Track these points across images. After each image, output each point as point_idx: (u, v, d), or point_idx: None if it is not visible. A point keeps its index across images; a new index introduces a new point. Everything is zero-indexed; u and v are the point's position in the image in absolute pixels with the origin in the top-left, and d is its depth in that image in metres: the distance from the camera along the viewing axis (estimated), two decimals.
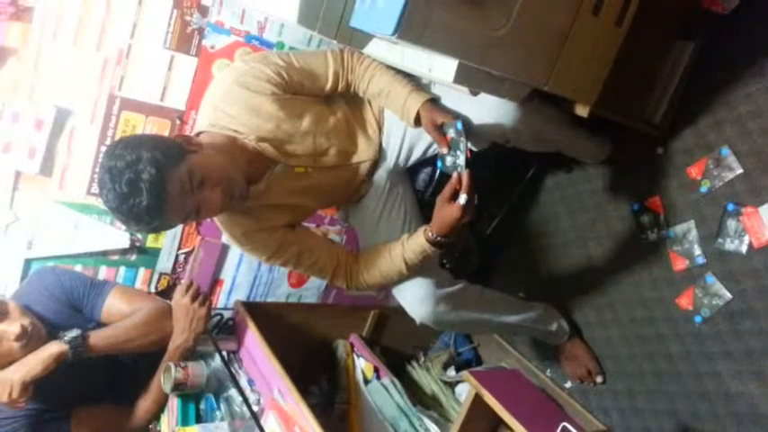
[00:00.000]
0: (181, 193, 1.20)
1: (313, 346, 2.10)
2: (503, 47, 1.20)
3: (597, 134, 1.79)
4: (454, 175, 1.37)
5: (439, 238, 1.44)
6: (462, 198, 1.34)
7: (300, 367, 1.67)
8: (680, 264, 1.75)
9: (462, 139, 1.36)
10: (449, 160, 1.41)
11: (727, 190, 1.65)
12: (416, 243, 1.47)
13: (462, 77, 1.25)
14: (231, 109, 1.38)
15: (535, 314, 1.88)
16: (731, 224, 1.63)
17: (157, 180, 1.16)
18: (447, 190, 1.37)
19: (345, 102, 1.56)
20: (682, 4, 1.60)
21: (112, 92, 1.69)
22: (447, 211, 1.37)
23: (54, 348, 1.44)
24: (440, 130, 1.40)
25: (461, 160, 1.37)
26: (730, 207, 1.63)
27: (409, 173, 1.75)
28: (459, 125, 1.35)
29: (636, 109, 1.66)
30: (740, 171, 1.62)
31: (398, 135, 1.59)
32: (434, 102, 1.46)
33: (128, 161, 1.16)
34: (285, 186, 1.46)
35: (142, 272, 1.93)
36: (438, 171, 1.75)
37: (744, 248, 1.61)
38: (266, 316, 1.86)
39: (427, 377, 2.15)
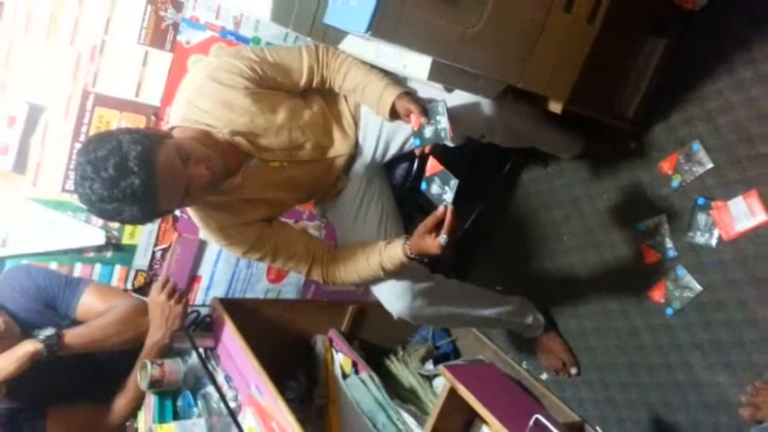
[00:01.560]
0: (171, 169, 1.19)
1: (291, 341, 2.11)
2: (476, 44, 1.21)
3: (571, 130, 1.81)
4: (440, 207, 1.34)
5: (416, 257, 1.45)
6: (443, 238, 1.34)
7: (278, 363, 1.67)
8: (652, 257, 1.78)
9: (443, 106, 1.33)
10: (428, 130, 1.37)
11: (698, 184, 1.68)
12: (395, 255, 1.48)
13: (436, 74, 1.27)
14: (204, 103, 1.37)
15: (511, 307, 1.90)
16: (701, 218, 1.66)
17: (145, 156, 1.15)
18: (430, 220, 1.37)
19: (321, 96, 1.56)
20: (653, 0, 1.62)
21: (86, 88, 1.67)
22: (426, 243, 1.38)
23: (28, 347, 1.42)
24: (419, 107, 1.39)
25: (443, 124, 1.34)
26: (700, 201, 1.66)
27: (386, 168, 1.76)
28: (442, 105, 1.34)
29: (609, 105, 1.69)
30: (710, 166, 1.66)
31: (375, 130, 1.59)
32: (410, 94, 1.47)
33: (109, 148, 1.14)
34: (261, 180, 1.46)
35: (118, 269, 1.92)
36: (416, 164, 1.76)
37: (714, 242, 1.64)
38: (244, 312, 1.86)
39: (405, 371, 2.17)
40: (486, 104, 1.47)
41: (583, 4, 1.37)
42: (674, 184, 1.72)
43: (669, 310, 1.73)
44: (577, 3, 1.35)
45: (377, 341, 2.30)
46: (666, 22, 1.67)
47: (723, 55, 1.63)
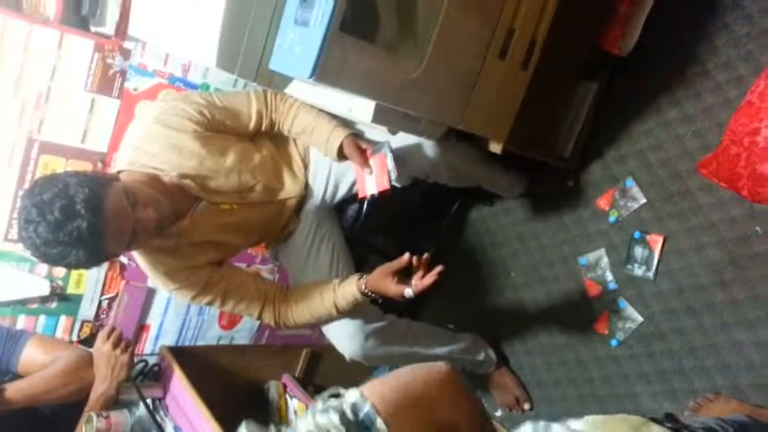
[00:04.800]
0: (120, 212, 1.18)
1: (244, 388, 2.06)
2: (417, 89, 1.27)
3: (512, 169, 1.88)
4: (406, 255, 1.37)
5: (372, 294, 1.47)
6: (408, 292, 1.37)
7: (230, 412, 1.63)
8: (594, 290, 1.84)
9: (387, 148, 1.39)
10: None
11: (634, 218, 1.76)
12: (349, 292, 1.49)
13: (380, 117, 1.31)
14: (152, 147, 1.38)
15: (464, 345, 1.93)
16: (638, 251, 1.74)
17: (93, 199, 1.14)
18: (397, 264, 1.38)
19: (270, 139, 1.59)
20: (583, 47, 1.72)
21: (31, 135, 1.65)
22: (388, 287, 1.40)
23: None
24: (362, 151, 1.45)
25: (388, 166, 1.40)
26: (637, 235, 1.74)
27: (337, 210, 1.79)
28: (387, 147, 1.39)
29: (546, 145, 1.77)
30: (644, 201, 1.74)
31: (324, 172, 1.63)
32: (358, 135, 1.51)
33: (56, 191, 1.14)
34: (210, 223, 1.46)
35: (63, 320, 1.86)
36: (365, 207, 1.79)
37: (651, 274, 1.71)
38: (194, 360, 1.82)
39: None
40: (429, 146, 1.52)
41: (516, 53, 1.45)
42: (612, 219, 1.80)
43: (614, 342, 1.79)
44: (511, 51, 1.42)
45: (332, 385, 2.27)
46: (597, 66, 1.77)
47: (651, 96, 1.74)
